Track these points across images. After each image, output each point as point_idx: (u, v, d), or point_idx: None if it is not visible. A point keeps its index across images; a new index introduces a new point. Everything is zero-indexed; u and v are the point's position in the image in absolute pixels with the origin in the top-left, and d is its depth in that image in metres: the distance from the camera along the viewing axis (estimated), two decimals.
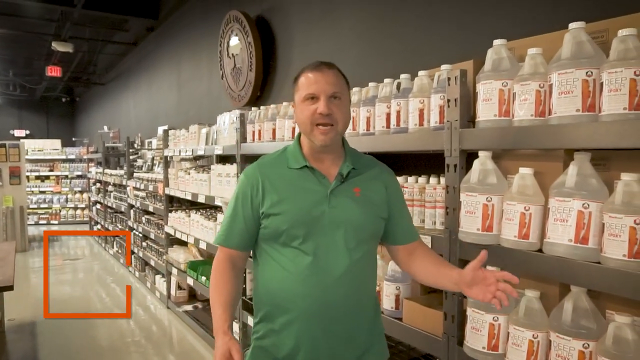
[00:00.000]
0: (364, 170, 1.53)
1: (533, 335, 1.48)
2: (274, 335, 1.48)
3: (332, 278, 1.42)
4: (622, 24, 1.33)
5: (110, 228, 7.84)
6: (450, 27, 2.59)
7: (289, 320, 1.45)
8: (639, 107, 1.25)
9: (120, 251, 7.36)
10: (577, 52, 1.38)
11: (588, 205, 1.34)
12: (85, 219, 11.49)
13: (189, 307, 4.73)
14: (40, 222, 11.76)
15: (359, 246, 1.46)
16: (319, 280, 1.42)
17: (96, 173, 8.96)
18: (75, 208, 12.05)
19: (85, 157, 11.73)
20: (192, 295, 5.00)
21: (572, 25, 1.41)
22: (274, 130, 2.98)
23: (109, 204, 7.89)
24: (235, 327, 3.51)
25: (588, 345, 1.35)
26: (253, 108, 3.33)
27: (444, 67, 1.86)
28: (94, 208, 9.50)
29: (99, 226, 9.02)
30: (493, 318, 1.58)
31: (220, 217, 3.72)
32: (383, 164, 1.61)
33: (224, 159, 4.35)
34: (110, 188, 8.05)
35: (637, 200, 1.26)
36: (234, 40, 4.70)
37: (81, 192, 12.09)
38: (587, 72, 1.35)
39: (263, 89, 4.53)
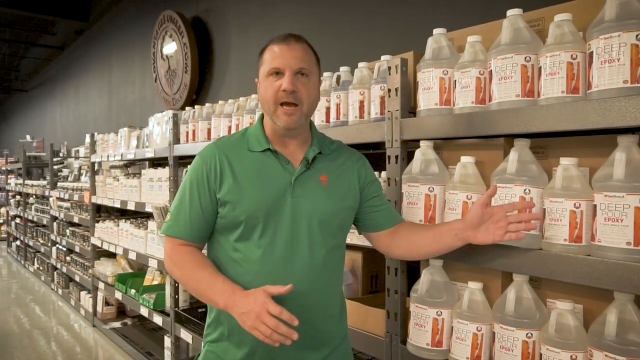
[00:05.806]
0: (334, 157, 1.41)
1: (477, 328, 1.43)
2: (225, 339, 1.34)
3: (292, 277, 1.28)
4: (557, 12, 1.33)
5: (31, 243, 7.23)
6: (389, 21, 2.58)
7: None
8: (576, 90, 1.25)
9: (41, 268, 6.80)
10: (515, 38, 1.37)
11: (529, 190, 1.32)
12: (3, 235, 10.57)
13: (117, 324, 4.40)
14: None
15: (324, 241, 1.33)
16: (277, 279, 1.27)
17: (16, 185, 8.29)
18: None
19: (3, 168, 10.85)
20: (121, 312, 4.67)
21: (510, 12, 1.40)
22: (209, 130, 2.84)
23: (30, 217, 7.30)
24: (167, 341, 3.27)
25: (531, 334, 1.32)
26: (187, 108, 3.17)
27: (384, 57, 1.82)
28: (12, 223, 8.77)
29: (18, 242, 8.32)
30: (436, 312, 1.52)
31: (152, 224, 3.49)
32: (355, 150, 1.50)
33: (157, 165, 4.11)
34: (31, 200, 7.46)
35: (576, 184, 1.25)
36: (169, 42, 4.52)
37: None
38: (525, 57, 1.34)
39: (199, 92, 4.37)
